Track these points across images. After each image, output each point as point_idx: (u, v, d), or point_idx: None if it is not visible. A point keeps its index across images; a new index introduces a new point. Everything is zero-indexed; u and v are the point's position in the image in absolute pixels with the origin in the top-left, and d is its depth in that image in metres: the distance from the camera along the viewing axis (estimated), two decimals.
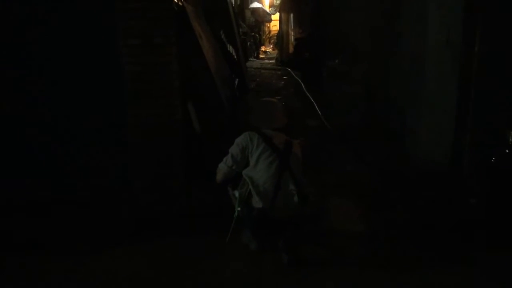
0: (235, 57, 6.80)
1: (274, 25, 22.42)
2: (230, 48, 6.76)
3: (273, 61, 16.06)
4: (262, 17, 20.34)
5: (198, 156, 3.73)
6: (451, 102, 3.72)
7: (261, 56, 19.18)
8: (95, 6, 3.36)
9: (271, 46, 22.77)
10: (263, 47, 26.18)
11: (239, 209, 2.70)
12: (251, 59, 16.87)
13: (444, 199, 3.59)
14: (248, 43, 16.85)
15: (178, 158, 3.58)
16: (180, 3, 3.67)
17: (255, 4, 20.13)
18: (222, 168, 2.86)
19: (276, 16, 19.64)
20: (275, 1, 22.99)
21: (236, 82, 6.03)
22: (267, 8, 21.73)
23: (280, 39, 15.76)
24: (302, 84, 8.80)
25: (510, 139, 2.58)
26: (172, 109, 3.53)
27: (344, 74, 5.48)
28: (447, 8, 3.55)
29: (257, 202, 2.69)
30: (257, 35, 18.57)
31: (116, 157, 3.54)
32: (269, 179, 2.69)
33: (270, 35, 22.83)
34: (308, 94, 7.69)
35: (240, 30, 15.29)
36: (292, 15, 12.26)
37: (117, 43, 3.37)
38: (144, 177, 3.56)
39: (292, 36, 12.77)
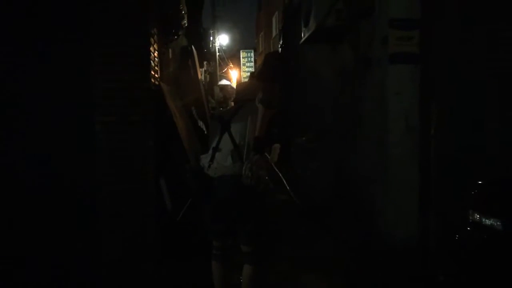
0: (205, 132, 6.96)
1: None
2: (201, 124, 6.94)
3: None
4: (230, 94, 21.20)
5: (169, 234, 3.65)
6: (414, 184, 3.93)
7: None
8: (71, 83, 3.43)
9: None
10: None
11: None
12: None
13: (413, 276, 3.63)
14: None
15: (151, 237, 3.50)
16: (156, 83, 3.82)
17: (224, 81, 21.06)
18: None
19: None
20: (242, 79, 24.23)
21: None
22: (234, 85, 22.82)
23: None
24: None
25: (470, 218, 2.72)
26: (146, 185, 3.53)
27: (311, 151, 5.71)
28: (404, 96, 3.89)
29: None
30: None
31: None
32: (211, 142, 2.84)
33: None
34: (277, 171, 7.85)
35: (209, 105, 15.79)
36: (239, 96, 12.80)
37: (94, 120, 3.43)
38: (113, 256, 3.43)
39: None
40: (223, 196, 2.75)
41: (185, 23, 5.45)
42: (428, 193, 3.94)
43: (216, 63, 19.35)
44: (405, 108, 3.92)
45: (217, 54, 19.54)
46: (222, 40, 21.93)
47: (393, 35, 3.85)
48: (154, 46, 3.82)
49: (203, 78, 16.20)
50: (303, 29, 5.73)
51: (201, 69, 14.72)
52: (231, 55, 27.53)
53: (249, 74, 19.19)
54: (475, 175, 2.94)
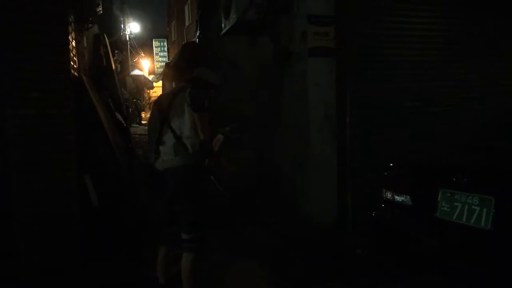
0: (124, 124, 6.71)
1: (154, 91, 22.65)
2: (119, 116, 6.67)
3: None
4: (143, 84, 20.49)
5: (96, 232, 3.52)
6: (332, 166, 4.27)
7: (143, 122, 19.04)
8: None
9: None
10: (143, 112, 25.97)
11: None
12: (134, 125, 16.62)
13: (335, 253, 3.98)
14: (130, 109, 16.66)
15: (73, 237, 3.34)
16: (76, 74, 3.61)
17: (136, 72, 20.26)
18: None
19: (159, 83, 20.01)
20: (156, 69, 23.46)
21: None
22: (147, 75, 22.00)
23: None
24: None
25: (386, 196, 3.07)
26: (67, 182, 3.36)
27: (235, 140, 5.82)
28: (323, 87, 4.20)
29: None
30: (138, 101, 18.51)
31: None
32: (153, 133, 2.84)
33: (150, 101, 22.99)
34: None
35: (123, 96, 15.11)
36: (174, 83, 12.64)
37: (4, 113, 3.14)
38: (33, 259, 3.21)
39: None
40: (170, 187, 2.78)
41: (100, 10, 5.18)
42: (344, 174, 4.32)
43: (127, 52, 18.50)
44: (323, 98, 4.23)
45: (128, 42, 18.69)
46: (132, 28, 20.99)
47: (311, 30, 4.11)
48: (72, 35, 3.60)
49: (115, 68, 15.39)
50: (223, 20, 5.77)
51: (114, 58, 13.98)
52: (142, 44, 26.49)
53: (163, 64, 18.68)
54: (384, 157, 3.30)
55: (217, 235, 4.34)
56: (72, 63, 3.48)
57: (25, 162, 3.20)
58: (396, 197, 2.96)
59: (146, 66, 27.14)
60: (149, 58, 26.84)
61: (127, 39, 18.72)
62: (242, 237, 4.39)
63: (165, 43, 21.62)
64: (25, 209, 3.20)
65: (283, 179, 4.92)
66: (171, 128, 2.72)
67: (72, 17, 3.62)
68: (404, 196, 2.88)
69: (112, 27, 10.08)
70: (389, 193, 3.04)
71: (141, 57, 26.20)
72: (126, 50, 18.10)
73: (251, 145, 5.79)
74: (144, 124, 18.32)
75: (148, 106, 24.54)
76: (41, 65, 3.17)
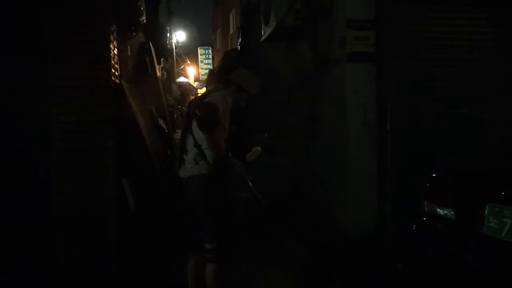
0: (166, 130, 6.87)
1: None
2: (161, 122, 6.84)
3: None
4: (188, 91, 20.97)
5: (131, 235, 3.59)
6: (371, 175, 4.11)
7: None
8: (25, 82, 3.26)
9: None
10: None
11: None
12: (178, 130, 17.01)
13: (374, 266, 3.79)
14: (175, 115, 17.09)
15: (109, 241, 3.41)
16: (117, 81, 3.73)
17: (182, 79, 20.79)
18: None
19: (203, 90, 20.40)
20: (201, 76, 23.99)
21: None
22: (192, 82, 22.53)
23: None
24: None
25: (427, 209, 2.88)
26: (105, 185, 3.45)
27: (272, 148, 5.78)
28: (362, 94, 4.05)
29: None
30: (183, 107, 18.93)
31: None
32: (180, 139, 2.85)
33: None
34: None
35: (168, 103, 15.57)
36: None
37: (49, 120, 3.29)
38: (72, 261, 3.31)
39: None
40: (190, 196, 2.75)
41: (143, 19, 5.34)
42: (384, 183, 4.13)
43: (173, 60, 19.05)
44: (362, 105, 4.09)
45: (174, 50, 19.25)
46: (179, 36, 21.62)
47: (350, 35, 4.00)
48: (114, 43, 3.72)
49: (160, 75, 15.91)
50: (263, 27, 5.78)
51: (158, 66, 14.47)
52: (188, 52, 27.21)
53: (207, 71, 19.07)
54: (428, 166, 3.11)
55: (251, 244, 4.31)
56: (113, 71, 3.59)
57: (65, 166, 3.32)
58: (438, 210, 2.76)
59: (192, 74, 27.86)
60: (195, 66, 27.52)
61: (173, 47, 19.29)
62: (276, 247, 4.31)
63: (210, 51, 22.07)
64: (65, 212, 3.31)
65: (319, 187, 4.80)
66: (193, 136, 2.71)
67: (114, 27, 3.74)
68: (447, 210, 2.68)
69: (158, 36, 10.43)
70: (430, 205, 2.85)
71: (187, 65, 26.93)
72: (172, 58, 18.66)
73: (288, 152, 5.72)
74: None
75: None
76: (81, 73, 3.29)
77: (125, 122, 3.67)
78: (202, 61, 22.35)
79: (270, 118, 6.43)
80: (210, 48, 22.12)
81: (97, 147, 3.40)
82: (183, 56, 22.37)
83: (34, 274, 3.18)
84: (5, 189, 3.17)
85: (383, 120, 4.09)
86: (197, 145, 2.68)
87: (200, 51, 22.38)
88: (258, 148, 2.92)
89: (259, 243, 4.39)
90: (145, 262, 3.50)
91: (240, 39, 9.60)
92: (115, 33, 3.74)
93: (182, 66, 25.06)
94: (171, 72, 18.45)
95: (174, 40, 19.31)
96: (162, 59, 15.39)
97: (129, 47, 5.18)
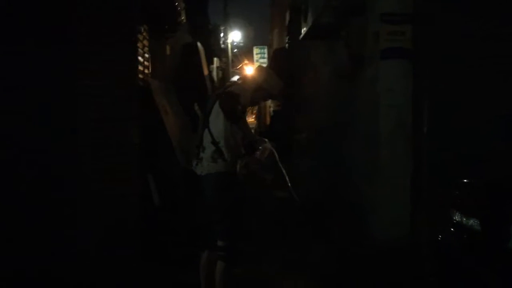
0: None
1: None
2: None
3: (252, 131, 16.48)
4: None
5: (155, 230, 3.67)
6: (405, 180, 3.85)
7: None
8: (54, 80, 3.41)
9: (254, 116, 23.68)
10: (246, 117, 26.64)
11: None
12: None
13: (405, 278, 3.56)
14: None
15: (133, 235, 3.50)
16: (145, 79, 3.83)
17: (236, 78, 21.11)
18: None
19: None
20: None
21: None
22: None
23: (259, 110, 16.34)
24: (276, 156, 8.98)
25: (455, 218, 2.63)
26: (130, 181, 3.55)
27: (308, 148, 5.65)
28: (396, 93, 3.81)
29: None
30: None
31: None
32: (198, 136, 2.78)
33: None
34: (280, 166, 7.83)
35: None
36: None
37: (78, 118, 3.45)
38: (96, 254, 3.45)
39: (271, 108, 13.29)
40: (208, 193, 2.75)
41: (182, 19, 5.44)
42: (420, 192, 3.85)
43: (228, 60, 19.35)
44: (397, 105, 3.84)
45: (230, 50, 19.55)
46: (234, 36, 21.91)
47: (384, 30, 3.77)
48: (143, 42, 3.83)
49: (214, 75, 16.26)
50: (302, 24, 5.67)
51: (212, 66, 14.78)
52: (246, 52, 27.51)
53: None
54: (466, 174, 2.85)
55: (278, 247, 4.23)
56: (140, 69, 3.69)
57: (92, 161, 3.46)
58: (464, 220, 2.52)
59: (249, 73, 28.15)
60: (252, 65, 27.76)
61: (229, 47, 19.60)
62: (304, 251, 4.18)
63: (265, 50, 22.09)
64: (92, 204, 3.45)
65: (351, 190, 4.60)
66: (210, 132, 2.69)
67: (145, 26, 3.85)
68: (473, 220, 2.43)
69: (209, 36, 10.66)
70: (458, 214, 2.61)
71: (244, 64, 27.25)
72: (227, 57, 18.95)
73: (323, 153, 5.55)
74: None
75: (250, 111, 25.35)
76: (107, 71, 3.42)
77: (152, 120, 3.75)
78: (257, 60, 22.47)
79: (308, 118, 6.30)
80: (266, 47, 22.16)
81: (123, 143, 3.52)
82: (238, 56, 22.64)
83: (63, 259, 3.36)
84: (38, 183, 3.36)
85: (420, 121, 3.81)
86: (214, 142, 2.66)
87: (255, 50, 22.52)
88: (267, 145, 2.82)
89: (285, 244, 4.30)
90: (164, 257, 3.56)
91: (287, 37, 9.52)
92: (145, 33, 3.84)
93: (240, 66, 25.39)
94: (226, 72, 18.74)
95: (229, 40, 19.61)
96: (216, 59, 15.73)
97: (168, 47, 5.30)
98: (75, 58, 3.36)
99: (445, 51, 3.67)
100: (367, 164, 4.17)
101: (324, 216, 4.94)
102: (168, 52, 5.31)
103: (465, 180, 2.64)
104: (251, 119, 22.17)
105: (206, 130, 2.70)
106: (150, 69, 4.13)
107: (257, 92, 2.84)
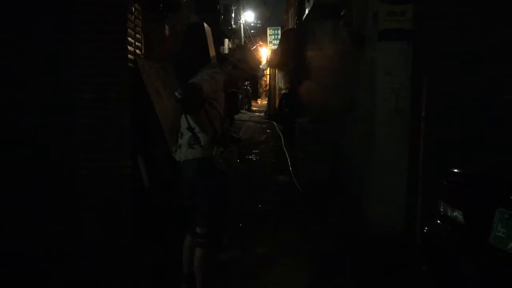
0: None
1: (264, 79, 23.14)
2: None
3: (263, 114, 16.40)
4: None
5: (145, 211, 3.68)
6: (401, 166, 3.74)
7: (253, 108, 19.60)
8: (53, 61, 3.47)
9: (266, 98, 23.56)
10: (259, 99, 26.68)
11: None
12: (243, 111, 17.24)
13: (397, 266, 3.49)
14: (240, 96, 17.29)
15: (126, 212, 3.54)
16: (137, 60, 3.77)
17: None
18: None
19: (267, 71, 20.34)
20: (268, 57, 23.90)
21: None
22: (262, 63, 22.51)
23: (269, 93, 16.20)
24: (282, 139, 8.90)
25: (442, 209, 2.53)
26: (122, 162, 3.56)
27: (312, 132, 5.55)
28: (395, 76, 3.66)
29: None
30: (249, 88, 19.05)
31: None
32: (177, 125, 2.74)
33: (266, 88, 23.52)
34: (285, 150, 7.76)
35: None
36: (276, 70, 12.70)
37: (73, 96, 3.46)
38: (89, 231, 3.50)
39: (283, 90, 13.15)
40: (186, 180, 2.72)
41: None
42: (416, 178, 3.74)
43: (240, 41, 19.11)
44: (394, 89, 3.70)
45: (242, 31, 19.28)
46: (247, 17, 21.58)
47: (383, 9, 3.60)
48: (135, 22, 3.76)
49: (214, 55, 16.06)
50: (306, 4, 5.49)
51: (222, 47, 14.65)
52: (262, 33, 27.12)
53: None
54: (467, 161, 2.73)
55: (274, 230, 4.20)
56: (131, 49, 3.64)
57: (87, 142, 3.49)
58: (449, 211, 2.42)
59: (264, 55, 27.81)
60: (266, 47, 27.40)
61: (242, 28, 19.32)
62: (298, 235, 4.15)
63: (279, 31, 21.70)
64: (87, 185, 3.51)
65: (351, 175, 4.51)
66: (186, 118, 2.63)
67: (137, 6, 3.78)
68: (457, 212, 2.33)
69: (218, 17, 10.50)
70: (444, 205, 2.51)
71: (259, 46, 26.91)
72: (239, 38, 18.71)
73: (326, 138, 5.45)
74: (254, 111, 18.87)
75: (264, 93, 25.11)
76: (101, 52, 3.39)
77: (142, 101, 3.71)
78: (271, 42, 22.14)
79: (312, 101, 6.17)
80: (280, 28, 21.75)
81: (115, 124, 3.52)
82: (251, 37, 22.33)
83: (60, 241, 3.41)
84: (37, 162, 3.44)
85: (418, 106, 3.67)
86: (190, 128, 2.62)
87: (269, 31, 22.14)
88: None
89: (280, 228, 4.28)
90: (157, 234, 3.58)
91: (296, 18, 9.29)
92: (136, 12, 3.77)
93: (255, 47, 25.08)
94: None
95: (242, 21, 19.30)
96: (226, 40, 15.56)
97: (167, 27, 5.21)
98: (75, 40, 3.40)
99: (448, 32, 3.49)
100: (364, 149, 4.06)
101: (323, 201, 4.88)
102: (167, 32, 5.22)
103: (453, 170, 2.52)
104: (264, 102, 22.03)
105: (183, 116, 2.65)
106: (143, 50, 4.06)
107: (233, 72, 2.76)
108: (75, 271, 3.19)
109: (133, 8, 3.71)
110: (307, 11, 5.32)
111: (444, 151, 3.54)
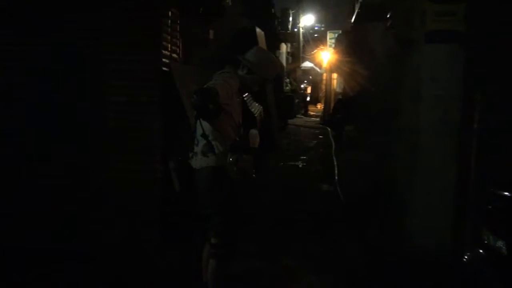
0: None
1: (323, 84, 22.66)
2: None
3: (319, 119, 16.09)
4: (314, 76, 20.71)
5: (175, 215, 3.66)
6: (447, 181, 3.37)
7: (311, 113, 19.30)
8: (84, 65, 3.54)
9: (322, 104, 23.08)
10: (319, 104, 26.28)
11: None
12: (299, 115, 17.01)
13: None
14: (297, 100, 17.07)
15: (154, 217, 3.55)
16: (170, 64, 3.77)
17: (307, 64, 20.57)
18: None
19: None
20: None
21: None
22: (317, 68, 22.08)
23: (324, 98, 15.86)
24: (333, 146, 8.58)
25: (484, 237, 2.20)
26: (152, 165, 3.58)
27: (357, 140, 5.26)
28: (442, 83, 3.32)
29: None
30: (307, 92, 18.73)
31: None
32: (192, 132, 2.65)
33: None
34: (334, 158, 7.45)
35: (288, 88, 15.61)
36: (332, 75, 12.35)
37: (105, 100, 3.53)
38: (117, 233, 3.54)
39: (340, 96, 12.81)
40: (200, 188, 2.64)
41: (228, 2, 5.32)
42: (465, 197, 3.35)
43: (299, 45, 18.91)
44: (442, 97, 3.35)
45: (300, 35, 19.07)
46: (307, 20, 21.29)
47: (431, 9, 3.27)
48: (172, 26, 3.77)
49: (284, 60, 15.98)
50: (355, 6, 5.22)
51: (278, 51, 14.55)
52: (321, 37, 26.66)
53: None
54: None
55: (306, 242, 4.00)
56: (166, 53, 3.65)
57: (118, 145, 3.54)
58: (491, 240, 2.10)
59: (326, 59, 27.30)
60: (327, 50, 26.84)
61: (300, 32, 19.11)
62: (330, 247, 3.91)
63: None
64: (118, 187, 3.55)
65: (396, 189, 4.17)
66: (201, 125, 2.53)
67: (174, 10, 3.78)
68: (501, 242, 2.01)
69: (273, 21, 10.41)
70: (487, 233, 2.18)
71: (320, 49, 26.47)
72: (297, 42, 18.51)
73: (372, 146, 5.12)
74: (311, 115, 18.56)
75: (323, 98, 24.69)
76: (132, 56, 3.45)
77: (175, 105, 3.70)
78: (331, 45, 21.63)
79: (360, 110, 5.86)
80: (340, 32, 21.19)
81: (146, 128, 3.54)
82: (309, 41, 22.01)
83: (90, 240, 3.52)
84: (68, 165, 3.56)
85: (469, 117, 3.28)
86: (204, 135, 2.52)
87: (329, 35, 21.60)
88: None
89: (312, 239, 4.06)
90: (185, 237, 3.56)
91: (349, 21, 8.95)
92: (173, 17, 3.77)
93: (316, 51, 24.71)
94: (296, 57, 18.32)
95: (301, 24, 19.08)
96: (284, 44, 15.42)
97: (211, 31, 5.21)
98: (100, 40, 3.48)
99: (504, 35, 3.08)
100: (408, 163, 3.73)
101: (364, 214, 4.58)
102: (211, 36, 5.21)
103: (499, 192, 2.18)
104: (320, 106, 21.60)
105: (198, 122, 2.55)
106: (181, 54, 4.07)
107: (248, 77, 2.61)
108: (99, 270, 3.25)
109: (170, 13, 3.72)
110: (355, 13, 5.05)
111: (499, 168, 3.14)
